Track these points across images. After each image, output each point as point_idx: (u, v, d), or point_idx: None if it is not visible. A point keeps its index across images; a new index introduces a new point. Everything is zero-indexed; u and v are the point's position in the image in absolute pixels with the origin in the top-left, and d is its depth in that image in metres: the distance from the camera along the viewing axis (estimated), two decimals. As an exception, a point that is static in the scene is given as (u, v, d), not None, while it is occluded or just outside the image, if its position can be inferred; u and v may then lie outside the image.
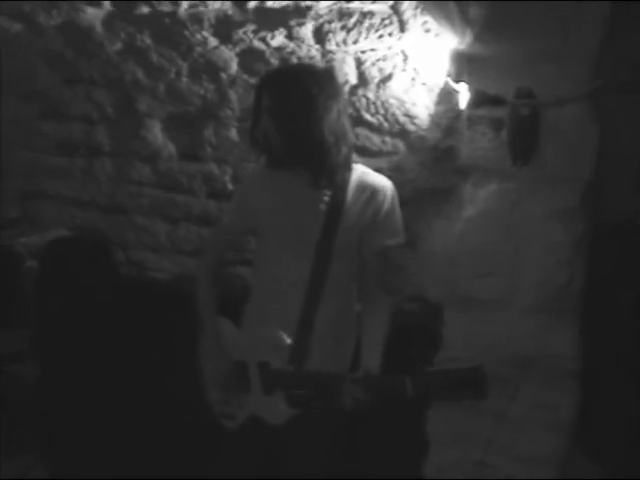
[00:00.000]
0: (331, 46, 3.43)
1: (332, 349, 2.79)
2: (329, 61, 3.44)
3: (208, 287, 2.95)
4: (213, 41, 3.65)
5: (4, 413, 2.99)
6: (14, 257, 3.82)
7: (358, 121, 3.40)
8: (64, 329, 3.63)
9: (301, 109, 2.64)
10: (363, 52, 3.39)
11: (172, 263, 3.87)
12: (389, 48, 3.35)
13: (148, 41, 3.78)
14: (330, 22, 3.40)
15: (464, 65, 3.06)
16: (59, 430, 3.65)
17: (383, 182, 2.81)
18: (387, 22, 3.32)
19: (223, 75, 3.67)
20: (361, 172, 2.81)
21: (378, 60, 3.37)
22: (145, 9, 3.74)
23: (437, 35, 3.23)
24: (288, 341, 2.70)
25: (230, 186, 3.72)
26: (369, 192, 2.76)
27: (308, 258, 2.73)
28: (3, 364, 3.42)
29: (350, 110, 3.30)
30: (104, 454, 3.59)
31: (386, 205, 2.76)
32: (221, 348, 2.87)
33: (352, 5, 3.35)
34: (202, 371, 2.94)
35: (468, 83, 3.06)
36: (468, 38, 2.99)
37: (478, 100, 3.05)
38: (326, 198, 2.74)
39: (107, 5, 3.84)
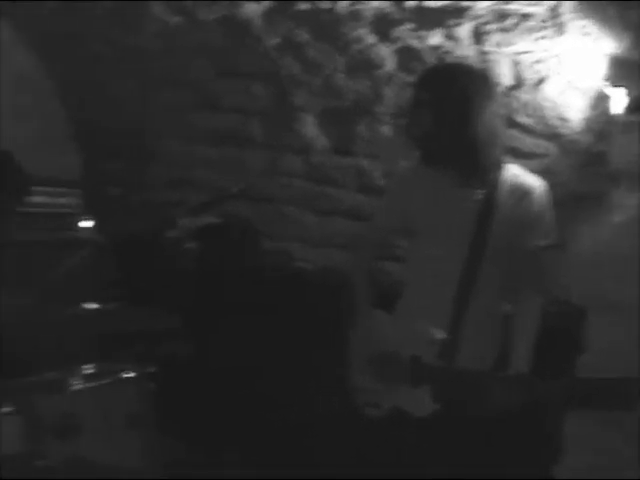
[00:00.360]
0: (487, 47, 3.53)
1: (480, 348, 2.89)
2: (485, 62, 3.54)
3: (363, 281, 3.12)
4: (371, 38, 3.81)
5: (159, 390, 3.26)
6: (173, 239, 4.15)
7: (511, 122, 3.50)
8: (215, 311, 3.93)
9: (457, 108, 2.78)
10: (519, 54, 3.48)
11: (319, 255, 4.10)
12: (545, 50, 3.43)
13: (306, 36, 3.97)
14: (487, 23, 3.49)
15: (622, 70, 3.16)
16: (209, 410, 3.95)
17: (536, 182, 2.90)
18: (545, 24, 3.38)
19: (379, 72, 3.84)
20: (513, 172, 2.90)
21: (534, 62, 3.46)
22: (304, 5, 3.91)
23: (595, 39, 3.28)
24: (439, 337, 2.82)
25: (381, 182, 3.90)
26: (521, 192, 2.86)
27: (460, 256, 2.85)
28: (160, 341, 3.72)
29: (504, 111, 3.35)
30: (247, 434, 3.86)
31: (539, 205, 2.87)
32: (375, 339, 3.00)
33: (510, 6, 3.42)
34: (351, 359, 3.09)
35: (626, 88, 3.15)
36: (627, 42, 3.10)
37: (635, 105, 3.13)
38: (478, 197, 2.85)
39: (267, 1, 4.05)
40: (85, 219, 4.71)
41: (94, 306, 3.70)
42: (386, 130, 3.90)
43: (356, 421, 3.12)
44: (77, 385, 3.08)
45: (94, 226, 4.71)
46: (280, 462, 3.78)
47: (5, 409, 2.87)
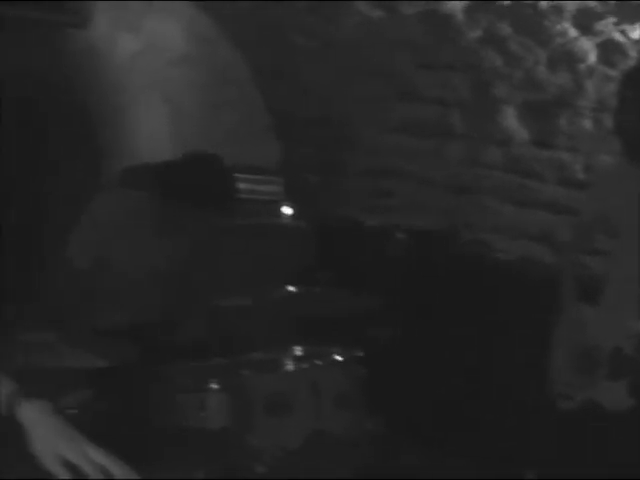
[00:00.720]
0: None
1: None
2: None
3: (569, 274, 3.29)
4: (573, 32, 3.92)
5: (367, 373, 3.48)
6: (384, 229, 4.45)
7: None
8: (419, 298, 4.18)
9: None
10: None
11: (518, 246, 4.23)
12: None
13: (508, 30, 4.11)
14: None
15: None
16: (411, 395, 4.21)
17: None
18: None
19: (581, 65, 3.95)
20: None
21: None
22: (507, 1, 4.07)
23: None
24: None
25: (581, 175, 4.01)
26: None
27: None
28: (367, 326, 4.00)
29: None
30: (446, 420, 4.09)
31: None
32: (578, 332, 3.14)
33: None
34: (552, 351, 3.24)
35: None
36: None
37: None
38: None
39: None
40: (286, 205, 5.07)
41: (301, 289, 4.01)
42: (587, 124, 4.00)
43: (549, 412, 3.27)
44: (288, 365, 3.32)
45: (294, 212, 5.06)
46: (473, 450, 3.97)
47: (213, 386, 3.09)
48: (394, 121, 4.71)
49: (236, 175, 4.11)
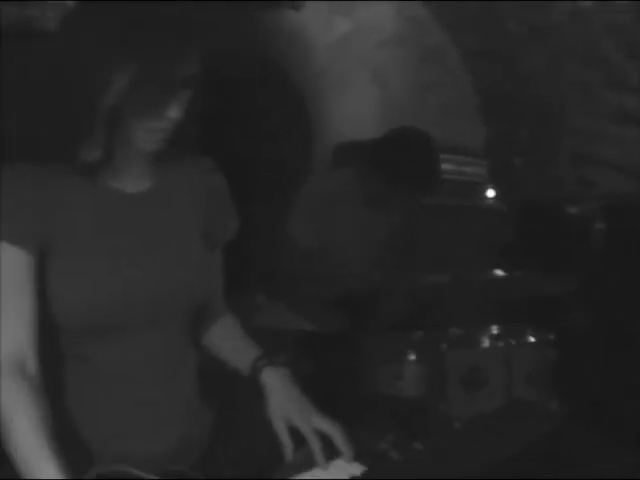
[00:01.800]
0: None
1: None
2: None
3: None
4: None
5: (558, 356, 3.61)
6: (585, 217, 4.54)
7: None
8: (614, 285, 4.27)
9: None
10: None
11: None
12: None
13: None
14: None
15: None
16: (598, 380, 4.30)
17: None
18: None
19: None
20: None
21: None
22: None
23: None
24: None
25: None
26: None
27: None
28: (561, 309, 4.14)
29: None
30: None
31: None
32: None
33: None
34: None
35: None
36: None
37: None
38: None
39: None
40: (490, 188, 5.22)
41: (500, 271, 4.16)
42: None
43: None
44: (484, 343, 3.45)
45: (497, 195, 5.21)
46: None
47: (411, 357, 3.28)
48: (601, 108, 4.76)
49: (442, 155, 4.24)
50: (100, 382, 1.78)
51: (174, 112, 1.64)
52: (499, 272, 4.11)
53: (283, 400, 1.89)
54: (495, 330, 3.58)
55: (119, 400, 1.79)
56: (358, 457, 1.76)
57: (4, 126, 2.38)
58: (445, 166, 4.49)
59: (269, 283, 3.44)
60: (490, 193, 5.10)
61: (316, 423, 1.82)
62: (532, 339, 3.48)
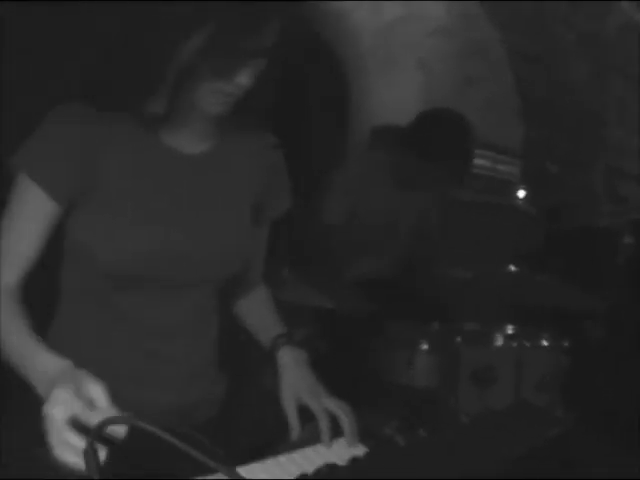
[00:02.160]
0: None
1: None
2: None
3: None
4: None
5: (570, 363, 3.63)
6: (613, 231, 4.52)
7: None
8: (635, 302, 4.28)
9: None
10: None
11: None
12: None
13: None
14: None
15: None
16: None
17: None
18: None
19: None
20: None
21: None
22: None
23: None
24: None
25: None
26: None
27: None
28: (574, 318, 4.15)
29: None
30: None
31: None
32: None
33: None
34: None
35: None
36: None
37: None
38: None
39: None
40: (521, 188, 5.22)
41: (523, 272, 4.16)
42: None
43: None
44: (498, 341, 3.47)
45: (527, 197, 5.20)
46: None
47: (424, 347, 3.33)
48: (638, 125, 4.73)
49: (477, 150, 4.22)
50: (126, 331, 1.82)
51: (244, 79, 1.65)
52: (523, 273, 4.10)
53: (296, 378, 1.92)
54: (510, 330, 3.58)
55: (140, 351, 1.84)
56: (362, 439, 1.78)
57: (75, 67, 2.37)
58: (480, 161, 4.52)
59: (296, 258, 3.47)
60: (521, 194, 5.09)
61: (325, 403, 1.83)
62: (546, 343, 3.50)
